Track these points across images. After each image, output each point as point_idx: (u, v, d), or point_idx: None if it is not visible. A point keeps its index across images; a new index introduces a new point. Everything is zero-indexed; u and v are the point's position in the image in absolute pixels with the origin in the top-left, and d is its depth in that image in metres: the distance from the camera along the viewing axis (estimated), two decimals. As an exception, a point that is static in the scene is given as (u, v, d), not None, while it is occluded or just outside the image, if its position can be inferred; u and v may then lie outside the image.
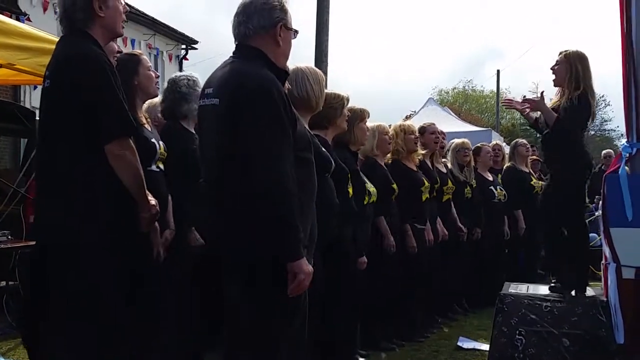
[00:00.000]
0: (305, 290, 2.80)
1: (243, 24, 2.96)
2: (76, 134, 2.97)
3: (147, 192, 3.16)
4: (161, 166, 3.92)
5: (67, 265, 2.98)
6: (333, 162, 4.03)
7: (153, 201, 3.24)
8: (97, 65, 2.98)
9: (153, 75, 3.97)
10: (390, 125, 6.08)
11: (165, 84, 4.52)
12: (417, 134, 6.20)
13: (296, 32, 3.05)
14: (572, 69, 4.94)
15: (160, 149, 3.89)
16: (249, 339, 2.88)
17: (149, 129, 3.93)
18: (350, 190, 4.55)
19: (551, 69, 5.08)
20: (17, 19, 10.00)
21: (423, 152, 6.34)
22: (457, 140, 7.48)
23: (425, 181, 6.05)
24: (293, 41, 3.07)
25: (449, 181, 6.74)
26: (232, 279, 2.93)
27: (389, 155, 5.96)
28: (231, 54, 3.02)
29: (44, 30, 5.40)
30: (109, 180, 2.98)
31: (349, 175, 4.54)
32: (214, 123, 2.86)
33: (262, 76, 2.81)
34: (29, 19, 11.61)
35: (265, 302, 2.82)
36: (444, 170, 6.83)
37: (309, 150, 3.04)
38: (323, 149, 4.01)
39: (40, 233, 3.19)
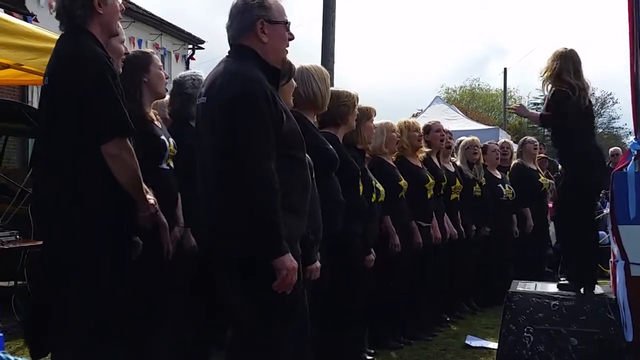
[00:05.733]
0: (291, 286, 2.78)
1: (228, 28, 3.00)
2: (74, 133, 2.97)
3: (145, 191, 3.18)
4: (171, 164, 3.92)
5: (66, 265, 2.99)
6: (339, 160, 4.03)
7: (152, 200, 3.25)
8: (96, 64, 2.98)
9: (163, 75, 3.97)
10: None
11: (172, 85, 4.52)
12: (421, 131, 6.21)
13: (287, 23, 3.02)
14: (549, 68, 5.11)
15: (170, 146, 3.88)
16: (249, 340, 2.89)
17: (159, 125, 3.92)
18: (361, 187, 4.55)
19: None
20: (25, 20, 10.02)
21: (426, 150, 6.33)
22: (466, 138, 7.48)
23: (430, 178, 6.04)
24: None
25: (457, 180, 6.73)
26: (224, 278, 2.94)
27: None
28: (226, 54, 3.04)
29: (51, 31, 5.41)
30: (108, 179, 2.98)
31: (359, 172, 4.54)
32: (204, 122, 2.90)
33: (247, 76, 2.82)
34: (36, 20, 11.60)
35: (259, 301, 2.82)
36: (452, 169, 6.82)
37: (301, 148, 3.03)
38: (330, 147, 4.01)
39: (41, 232, 3.20)
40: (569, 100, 4.93)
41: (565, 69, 5.02)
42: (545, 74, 5.11)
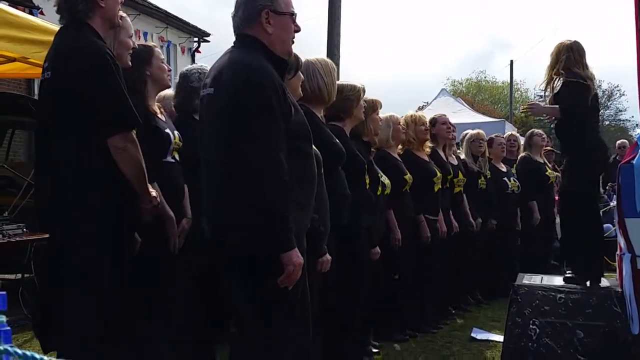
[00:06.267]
0: (294, 282, 2.76)
1: (233, 17, 2.97)
2: (77, 126, 2.96)
3: (148, 184, 3.18)
4: (176, 156, 3.92)
5: (67, 265, 3.00)
6: (345, 153, 4.03)
7: (154, 193, 3.26)
8: (99, 57, 2.97)
9: (165, 67, 3.97)
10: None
11: (177, 78, 4.52)
12: (427, 124, 6.19)
13: (293, 14, 2.99)
14: (557, 61, 5.06)
15: (175, 139, 3.87)
16: (250, 339, 2.88)
17: (163, 119, 3.91)
18: (368, 181, 4.55)
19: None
20: (31, 13, 10.02)
21: (431, 145, 6.32)
22: (471, 131, 7.46)
23: (438, 171, 6.04)
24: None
25: (460, 173, 6.71)
26: (226, 276, 2.94)
27: (400, 146, 5.96)
28: (232, 44, 3.01)
29: (57, 24, 5.41)
30: (110, 172, 2.98)
31: (366, 165, 4.53)
32: (210, 113, 2.86)
33: (255, 66, 2.79)
34: (42, 13, 11.61)
35: (260, 300, 2.81)
36: (455, 162, 6.80)
37: (307, 140, 3.01)
38: (337, 140, 4.00)
39: (44, 226, 3.21)
40: (587, 91, 4.91)
41: (574, 61, 5.00)
42: (554, 69, 5.06)
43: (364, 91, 4.59)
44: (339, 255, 3.86)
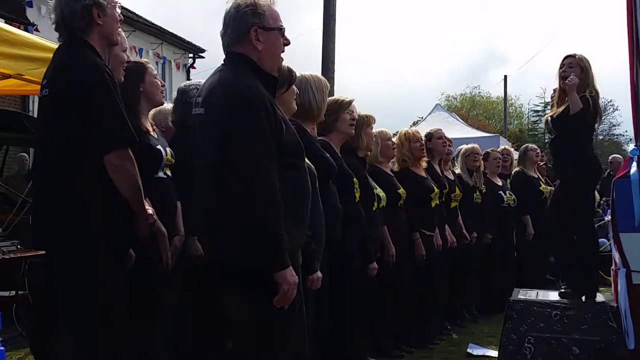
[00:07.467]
0: (290, 300, 2.75)
1: (222, 36, 2.98)
2: (75, 144, 2.96)
3: (144, 201, 3.17)
4: (168, 172, 3.91)
5: (65, 274, 2.99)
6: (336, 168, 4.02)
7: (150, 210, 3.25)
8: (97, 75, 2.97)
9: (159, 83, 3.98)
10: (395, 133, 6.09)
11: (174, 93, 4.52)
12: (422, 140, 6.20)
13: (282, 29, 2.99)
14: (584, 71, 4.98)
15: (166, 155, 3.88)
16: (246, 355, 2.86)
17: (155, 135, 3.92)
18: (357, 195, 4.54)
19: (563, 71, 5.00)
20: (26, 30, 10.04)
21: (426, 159, 6.31)
22: (466, 146, 7.48)
23: (435, 187, 6.04)
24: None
25: (457, 188, 6.72)
26: (224, 289, 2.93)
27: (396, 163, 5.96)
28: (221, 62, 3.02)
29: (52, 41, 5.42)
30: (108, 189, 2.98)
31: (354, 179, 4.53)
32: (201, 133, 2.86)
33: (245, 85, 2.79)
34: (37, 30, 11.63)
35: (257, 316, 2.80)
36: (451, 177, 6.81)
37: (300, 156, 3.01)
38: (327, 155, 4.00)
39: (40, 242, 3.20)
40: (596, 108, 4.91)
41: (592, 76, 4.98)
42: (583, 84, 4.94)
43: (349, 103, 4.59)
44: (331, 270, 3.85)
